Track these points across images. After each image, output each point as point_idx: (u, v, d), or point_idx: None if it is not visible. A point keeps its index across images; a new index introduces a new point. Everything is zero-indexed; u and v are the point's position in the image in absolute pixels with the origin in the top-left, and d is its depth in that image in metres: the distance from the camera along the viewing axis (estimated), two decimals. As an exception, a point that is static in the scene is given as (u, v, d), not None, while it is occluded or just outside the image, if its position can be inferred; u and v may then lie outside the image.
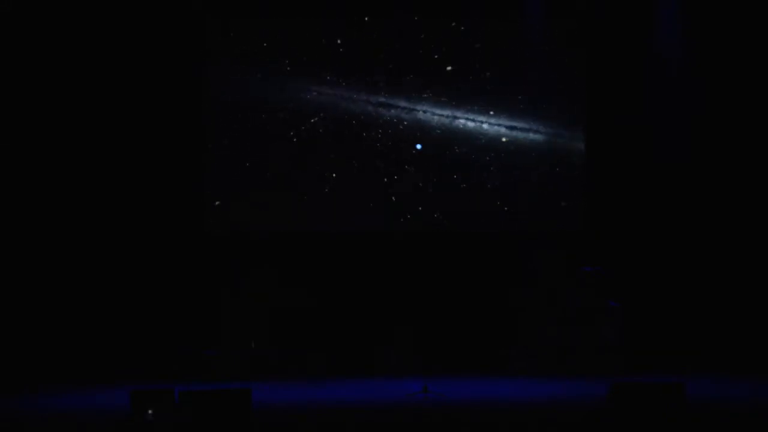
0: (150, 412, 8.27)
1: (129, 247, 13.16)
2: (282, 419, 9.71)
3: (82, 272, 13.05)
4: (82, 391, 11.66)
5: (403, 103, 13.55)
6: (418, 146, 13.37)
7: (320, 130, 13.47)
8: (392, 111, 13.55)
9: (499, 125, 13.59)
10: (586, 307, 12.51)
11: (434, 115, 13.56)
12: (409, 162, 13.53)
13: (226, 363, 12.63)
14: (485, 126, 13.59)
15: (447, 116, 13.56)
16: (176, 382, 11.16)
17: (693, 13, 13.38)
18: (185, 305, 13.17)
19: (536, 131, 13.59)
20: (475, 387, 11.70)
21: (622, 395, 9.03)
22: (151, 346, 12.96)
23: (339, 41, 13.44)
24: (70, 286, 13.02)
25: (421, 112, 13.56)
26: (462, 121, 13.57)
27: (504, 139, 13.59)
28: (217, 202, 13.33)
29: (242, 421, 8.79)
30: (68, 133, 13.10)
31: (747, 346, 12.91)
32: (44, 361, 12.70)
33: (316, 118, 13.45)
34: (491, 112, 13.56)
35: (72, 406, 10.63)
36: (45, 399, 11.18)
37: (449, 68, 13.51)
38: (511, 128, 13.59)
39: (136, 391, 8.97)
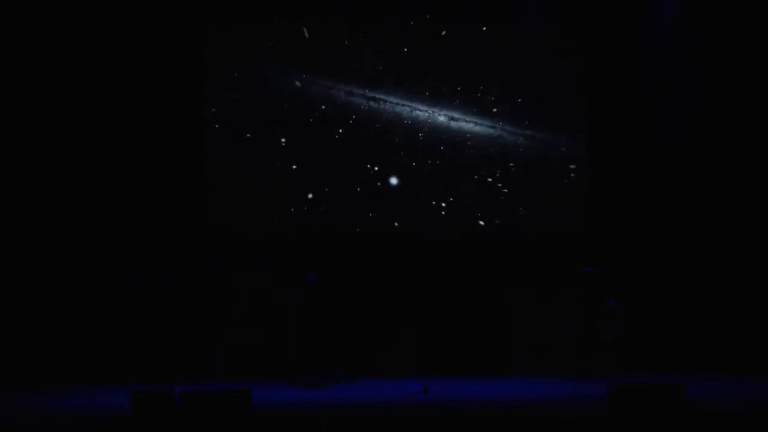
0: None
1: (128, 246, 13.15)
2: (282, 419, 9.71)
3: (82, 272, 13.04)
4: (82, 391, 11.66)
5: (403, 103, 13.55)
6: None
7: (320, 129, 13.47)
8: (391, 111, 13.55)
9: (498, 126, 13.58)
10: (586, 307, 12.50)
11: (434, 115, 13.56)
12: (409, 162, 13.53)
13: (226, 363, 12.64)
14: (485, 127, 13.59)
15: (447, 116, 13.57)
16: (176, 382, 11.17)
17: (693, 13, 13.38)
18: (185, 305, 13.17)
19: (537, 132, 13.58)
20: (475, 387, 11.70)
21: (621, 395, 9.03)
22: (151, 346, 12.95)
23: (339, 41, 13.44)
24: (69, 286, 13.02)
25: (420, 112, 13.56)
26: (462, 121, 13.57)
27: (504, 140, 13.58)
28: (216, 200, 13.35)
29: (242, 421, 8.79)
30: (69, 135, 13.10)
31: (747, 346, 12.90)
32: (44, 361, 12.70)
33: (316, 117, 13.46)
34: (491, 112, 13.56)
35: (72, 406, 10.63)
36: (45, 399, 11.18)
37: (449, 68, 13.51)
38: (511, 129, 13.58)
39: (136, 391, 8.98)
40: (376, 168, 13.51)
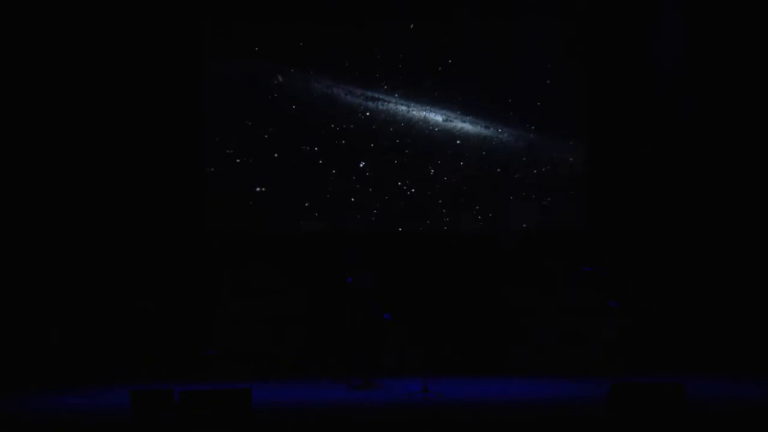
0: None
1: (129, 246, 13.15)
2: (282, 419, 9.71)
3: (82, 273, 13.04)
4: (82, 391, 11.66)
5: (401, 103, 13.55)
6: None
7: (319, 129, 13.47)
8: (390, 110, 13.54)
9: (497, 125, 13.58)
10: (586, 307, 12.50)
11: (433, 114, 13.56)
12: (409, 162, 13.54)
13: (226, 363, 12.65)
14: (481, 127, 13.59)
15: (446, 116, 13.57)
16: (176, 382, 11.18)
17: (693, 13, 13.39)
18: (185, 305, 13.17)
19: (536, 131, 13.58)
20: (475, 387, 11.70)
21: (622, 395, 9.04)
22: (151, 346, 12.96)
23: (339, 41, 13.44)
24: (70, 286, 13.02)
25: (420, 112, 13.56)
26: (461, 121, 13.57)
27: (503, 140, 13.58)
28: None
29: (242, 421, 8.79)
30: (68, 135, 13.09)
31: (747, 346, 12.90)
32: (44, 361, 12.71)
33: (314, 117, 13.46)
34: (490, 112, 13.56)
35: (72, 406, 10.63)
36: (45, 399, 11.19)
37: (449, 69, 13.50)
38: (511, 128, 13.57)
39: (136, 391, 8.98)
40: (374, 168, 13.51)
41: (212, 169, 13.37)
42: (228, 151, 13.39)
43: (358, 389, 11.52)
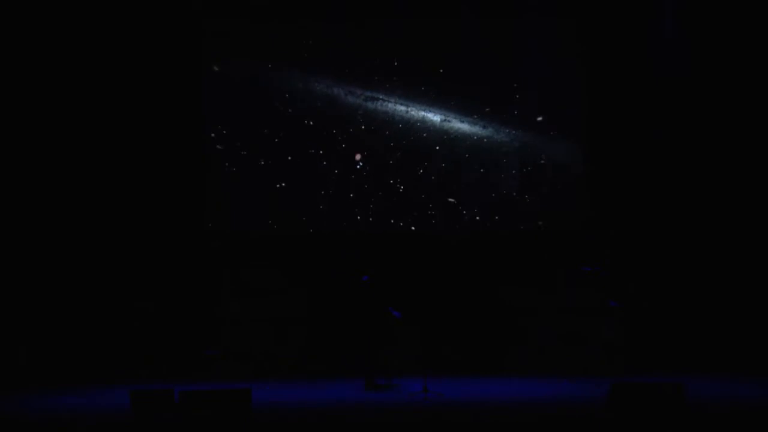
0: None
1: (129, 246, 13.16)
2: (282, 419, 9.72)
3: (82, 273, 13.05)
4: (82, 391, 11.67)
5: (401, 103, 13.55)
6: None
7: (318, 129, 13.48)
8: (389, 111, 13.54)
9: (498, 126, 13.59)
10: (586, 307, 12.50)
11: (431, 114, 13.56)
12: (408, 162, 13.54)
13: (226, 363, 12.65)
14: (480, 127, 13.59)
15: (444, 116, 13.57)
16: (176, 382, 11.18)
17: (693, 13, 13.39)
18: (185, 305, 13.17)
19: (536, 131, 13.58)
20: (475, 387, 11.70)
21: (622, 395, 9.04)
22: (151, 346, 12.96)
23: (338, 41, 13.45)
24: (70, 286, 13.02)
25: (419, 112, 13.56)
26: (459, 121, 13.57)
27: (502, 140, 13.58)
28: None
29: (242, 421, 8.80)
30: (69, 136, 13.11)
31: (747, 346, 12.90)
32: (44, 361, 12.71)
33: (314, 117, 13.46)
34: (489, 112, 13.56)
35: (72, 406, 10.64)
36: (45, 399, 11.19)
37: (449, 69, 13.51)
38: (510, 128, 13.58)
39: (136, 391, 8.99)
40: (373, 168, 13.51)
41: (212, 169, 13.37)
42: (228, 151, 13.40)
43: (368, 390, 11.52)
